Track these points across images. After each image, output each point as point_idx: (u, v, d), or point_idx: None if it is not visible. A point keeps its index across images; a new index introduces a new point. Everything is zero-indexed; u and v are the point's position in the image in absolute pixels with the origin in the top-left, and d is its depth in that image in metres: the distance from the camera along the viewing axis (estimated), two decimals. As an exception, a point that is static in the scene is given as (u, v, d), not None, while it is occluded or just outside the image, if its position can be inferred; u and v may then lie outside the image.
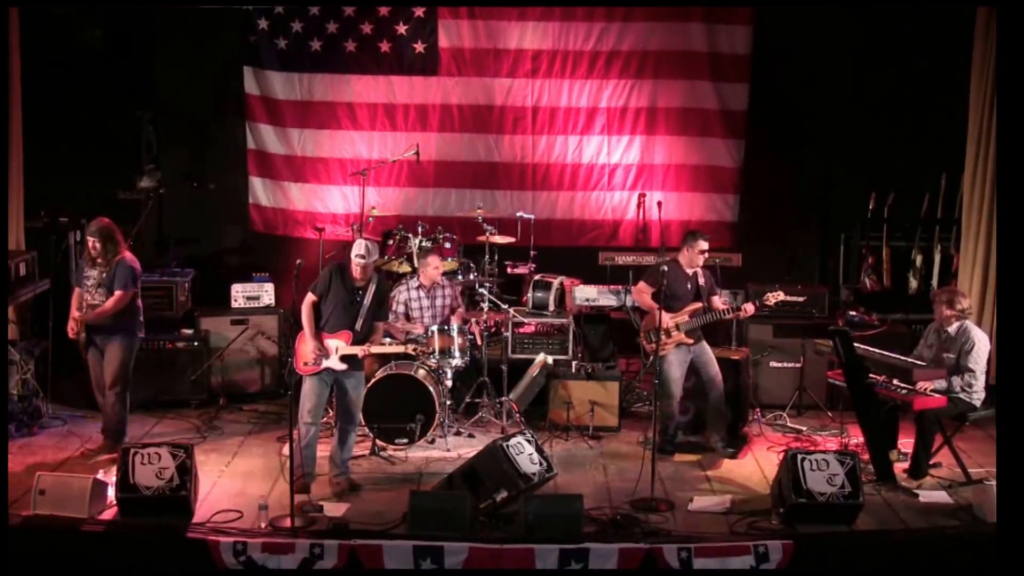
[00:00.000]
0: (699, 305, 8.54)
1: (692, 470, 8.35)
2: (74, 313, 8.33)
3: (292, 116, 11.32)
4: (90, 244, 8.25)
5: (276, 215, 11.55)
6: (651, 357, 8.46)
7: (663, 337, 8.42)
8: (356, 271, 7.78)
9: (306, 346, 7.78)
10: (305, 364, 7.77)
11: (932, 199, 10.84)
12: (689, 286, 8.59)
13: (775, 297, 8.62)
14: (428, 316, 9.21)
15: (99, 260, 8.25)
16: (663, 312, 8.27)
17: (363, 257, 7.76)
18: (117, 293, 8.19)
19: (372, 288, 7.85)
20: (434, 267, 9.22)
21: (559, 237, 11.32)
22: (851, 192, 11.07)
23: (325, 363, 7.75)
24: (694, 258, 8.58)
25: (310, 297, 7.82)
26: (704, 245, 8.58)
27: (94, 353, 8.37)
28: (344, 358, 7.77)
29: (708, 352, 8.65)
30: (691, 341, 8.52)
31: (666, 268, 8.41)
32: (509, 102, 11.27)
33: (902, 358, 8.20)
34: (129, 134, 11.42)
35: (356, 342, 7.78)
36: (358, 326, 7.80)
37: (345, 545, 6.77)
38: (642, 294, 8.68)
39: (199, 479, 7.45)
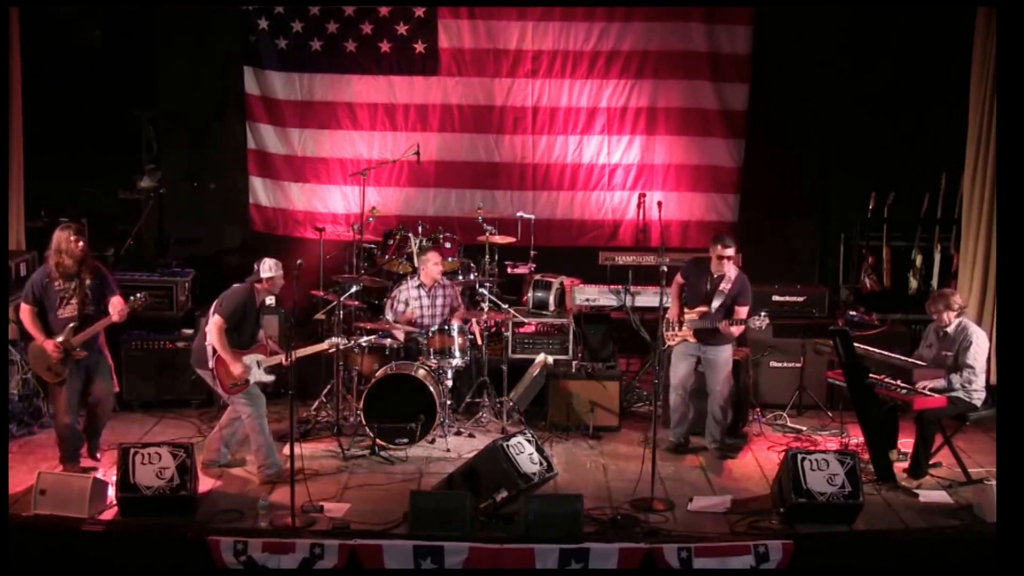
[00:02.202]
0: (705, 308, 8.51)
1: (692, 470, 8.35)
2: (52, 339, 7.75)
3: (292, 116, 11.32)
4: (78, 247, 7.78)
5: (276, 215, 11.56)
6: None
7: (672, 329, 8.54)
8: (275, 288, 8.08)
9: (233, 368, 7.88)
10: (234, 386, 7.93)
11: (932, 199, 10.84)
12: (708, 287, 8.53)
13: (760, 322, 8.43)
14: (428, 316, 9.21)
15: (71, 268, 7.77)
16: (680, 306, 8.55)
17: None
18: (118, 298, 7.98)
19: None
20: (434, 263, 9.22)
21: (559, 237, 11.32)
22: (851, 192, 11.06)
23: (252, 380, 7.96)
24: (715, 262, 8.52)
25: (220, 323, 7.88)
26: (721, 250, 8.43)
27: (78, 371, 7.93)
28: (269, 369, 8.03)
29: (718, 360, 8.50)
30: (692, 338, 8.51)
31: (684, 265, 8.64)
32: (509, 102, 11.27)
33: (902, 358, 8.21)
34: (129, 134, 11.43)
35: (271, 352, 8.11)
36: (260, 337, 8.14)
37: (345, 545, 6.77)
38: (673, 284, 8.73)
39: (199, 479, 7.46)
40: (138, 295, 7.96)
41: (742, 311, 8.45)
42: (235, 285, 8.24)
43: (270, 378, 8.08)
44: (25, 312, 7.86)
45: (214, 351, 7.89)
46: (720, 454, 8.57)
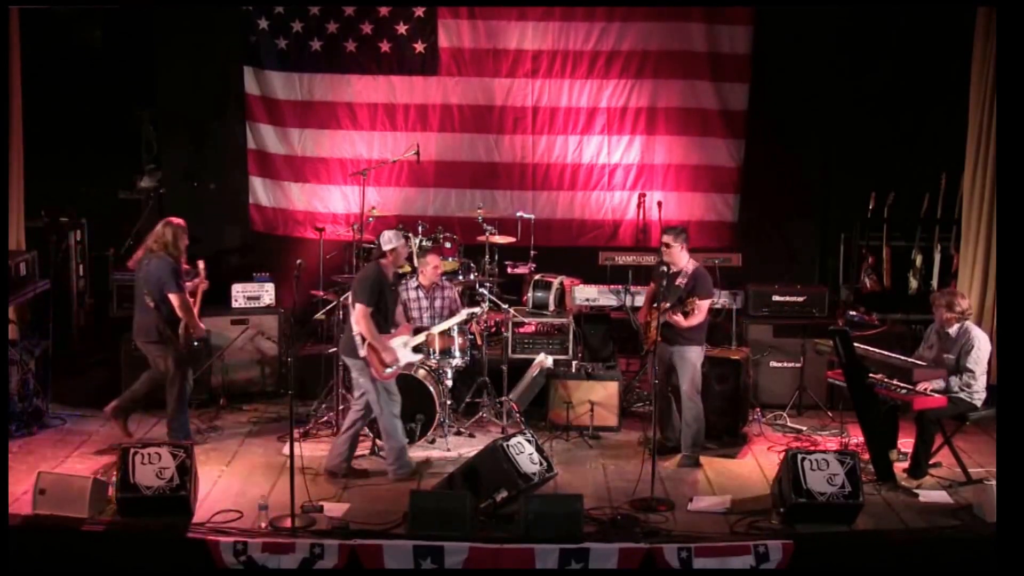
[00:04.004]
0: (665, 305, 8.36)
1: (692, 470, 8.33)
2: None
3: (292, 116, 11.34)
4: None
5: (276, 215, 11.57)
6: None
7: (643, 332, 8.57)
8: (399, 259, 8.04)
9: (385, 355, 7.77)
10: (388, 370, 7.83)
11: (932, 199, 10.84)
12: (664, 283, 8.43)
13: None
14: (427, 317, 9.21)
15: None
16: (648, 309, 8.54)
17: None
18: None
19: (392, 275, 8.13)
20: (433, 267, 9.22)
21: (559, 237, 11.33)
22: (851, 192, 11.07)
23: (403, 361, 7.97)
24: (665, 256, 8.45)
25: (364, 309, 7.72)
26: (664, 238, 8.40)
27: None
28: (416, 348, 8.15)
29: (683, 359, 8.31)
30: (659, 339, 8.28)
31: (664, 268, 8.43)
32: (509, 102, 11.28)
33: (902, 358, 8.20)
34: (129, 134, 11.45)
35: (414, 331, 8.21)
36: (399, 316, 8.15)
37: (345, 545, 6.77)
38: (648, 288, 8.75)
39: (199, 479, 7.45)
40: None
41: (701, 304, 8.28)
42: (364, 267, 8.20)
43: (418, 357, 8.26)
44: (183, 299, 8.29)
45: (363, 340, 7.74)
46: (688, 462, 8.34)
